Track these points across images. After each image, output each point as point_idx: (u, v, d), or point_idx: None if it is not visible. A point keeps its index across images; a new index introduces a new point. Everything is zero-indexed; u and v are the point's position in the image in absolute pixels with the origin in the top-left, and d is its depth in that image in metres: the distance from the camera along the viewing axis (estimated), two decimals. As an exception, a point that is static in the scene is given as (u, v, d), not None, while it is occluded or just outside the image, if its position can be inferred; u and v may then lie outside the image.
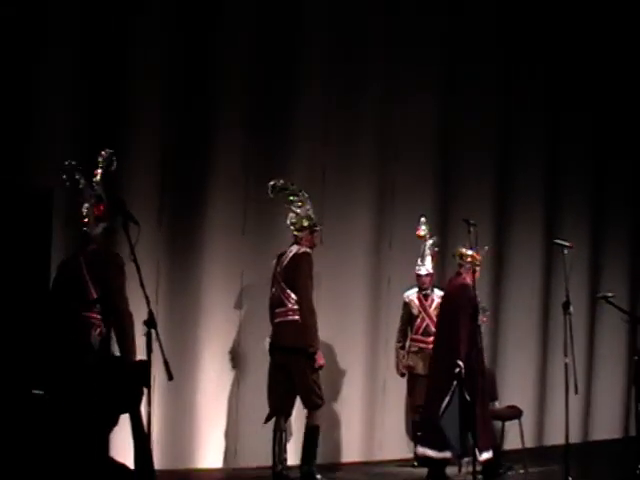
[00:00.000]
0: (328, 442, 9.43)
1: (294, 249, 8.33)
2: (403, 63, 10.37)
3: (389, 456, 9.92)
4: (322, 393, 8.31)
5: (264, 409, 8.49)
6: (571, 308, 7.91)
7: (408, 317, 9.83)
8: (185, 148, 9.01)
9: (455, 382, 8.09)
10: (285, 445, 8.35)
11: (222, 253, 9.18)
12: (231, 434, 9.26)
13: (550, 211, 11.66)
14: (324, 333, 8.86)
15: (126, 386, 6.53)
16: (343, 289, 9.95)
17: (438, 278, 10.09)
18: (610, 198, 12.29)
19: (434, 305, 9.71)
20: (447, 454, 8.25)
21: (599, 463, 9.83)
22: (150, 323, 6.05)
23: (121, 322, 6.76)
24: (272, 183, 8.35)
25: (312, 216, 8.41)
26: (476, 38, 10.96)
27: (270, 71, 9.53)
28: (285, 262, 8.30)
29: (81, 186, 6.96)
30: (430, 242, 9.66)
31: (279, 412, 8.30)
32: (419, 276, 9.77)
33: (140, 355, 6.45)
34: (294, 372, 8.19)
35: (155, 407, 7.63)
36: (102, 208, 6.95)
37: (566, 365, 7.90)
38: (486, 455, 8.18)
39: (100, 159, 7.04)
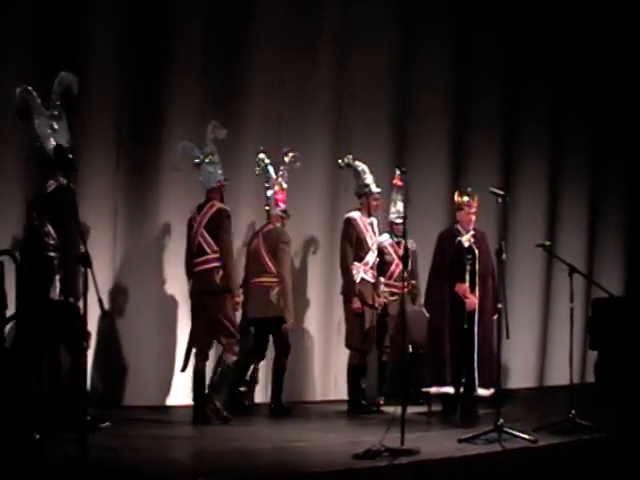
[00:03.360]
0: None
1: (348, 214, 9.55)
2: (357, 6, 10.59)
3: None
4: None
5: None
6: (504, 255, 7.99)
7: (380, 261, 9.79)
8: (141, 101, 9.28)
9: None
10: None
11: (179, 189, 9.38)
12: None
13: (506, 156, 11.94)
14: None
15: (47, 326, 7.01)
16: (303, 233, 10.25)
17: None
18: (568, 153, 12.62)
19: None
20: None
21: (539, 408, 9.92)
22: (85, 262, 6.47)
23: (285, 285, 8.93)
24: (339, 162, 9.59)
25: (368, 184, 9.44)
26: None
27: (225, 20, 9.71)
28: None
29: (268, 175, 9.05)
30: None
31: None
32: (395, 224, 9.90)
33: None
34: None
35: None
36: (282, 195, 9.04)
37: (499, 310, 8.01)
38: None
39: (287, 158, 9.09)
